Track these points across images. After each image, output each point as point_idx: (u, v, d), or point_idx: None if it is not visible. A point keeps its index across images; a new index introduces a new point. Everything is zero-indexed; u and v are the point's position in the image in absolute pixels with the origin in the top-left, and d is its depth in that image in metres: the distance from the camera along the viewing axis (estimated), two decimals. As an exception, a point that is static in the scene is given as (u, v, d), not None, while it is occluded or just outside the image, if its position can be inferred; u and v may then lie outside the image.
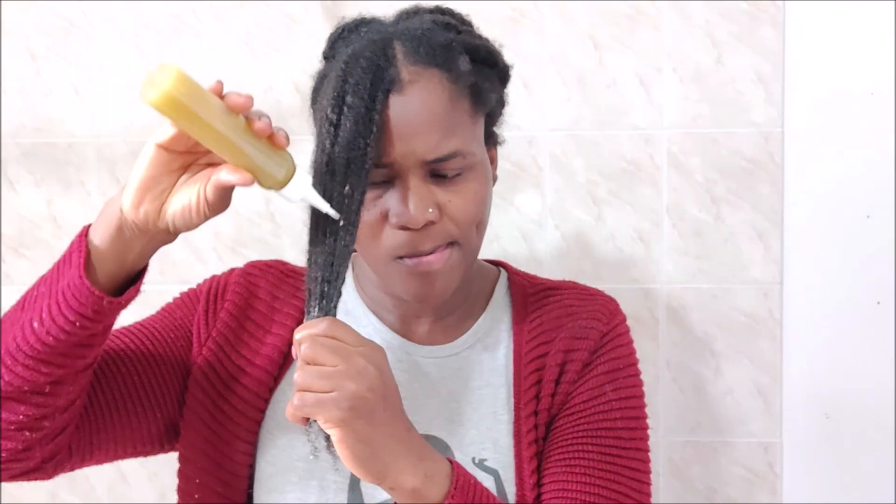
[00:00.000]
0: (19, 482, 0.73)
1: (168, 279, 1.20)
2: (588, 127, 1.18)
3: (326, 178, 0.66)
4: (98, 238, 0.65)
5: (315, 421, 0.64)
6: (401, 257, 0.72)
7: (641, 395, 0.81)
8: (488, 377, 0.80)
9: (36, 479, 0.73)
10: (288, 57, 1.19)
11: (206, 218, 0.63)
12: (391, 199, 0.70)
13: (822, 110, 1.15)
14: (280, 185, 0.63)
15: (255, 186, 0.62)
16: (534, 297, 0.84)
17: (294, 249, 1.19)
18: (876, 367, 1.16)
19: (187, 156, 0.63)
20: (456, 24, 0.76)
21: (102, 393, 0.75)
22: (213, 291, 0.83)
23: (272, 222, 1.21)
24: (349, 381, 0.62)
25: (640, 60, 1.17)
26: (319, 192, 0.66)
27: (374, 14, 0.77)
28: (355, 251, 0.86)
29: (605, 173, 1.18)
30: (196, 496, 0.78)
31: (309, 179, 0.65)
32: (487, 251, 0.79)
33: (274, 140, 0.62)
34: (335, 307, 0.67)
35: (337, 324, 0.65)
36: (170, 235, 0.65)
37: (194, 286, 0.86)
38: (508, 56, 0.79)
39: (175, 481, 0.81)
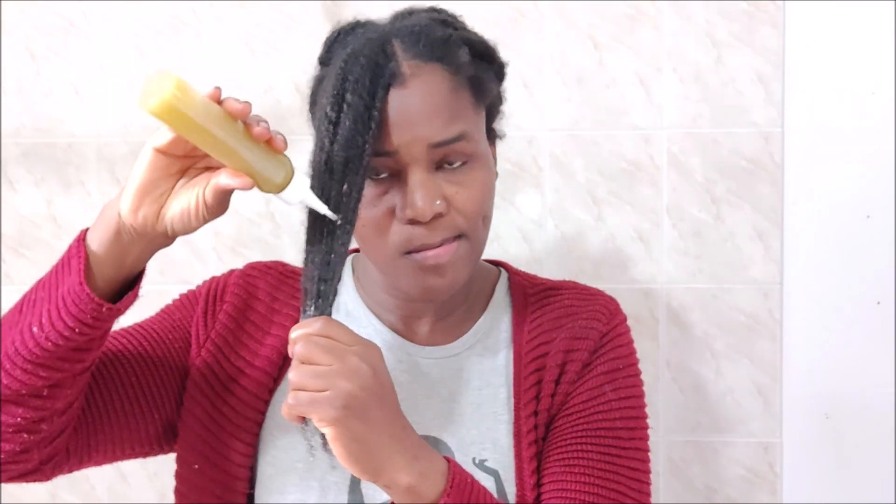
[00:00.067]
0: (18, 483, 0.73)
1: (168, 279, 1.20)
2: (588, 127, 1.18)
3: (325, 176, 0.66)
4: (96, 243, 0.65)
5: (311, 420, 0.64)
6: (409, 252, 0.72)
7: (641, 395, 0.81)
8: (488, 377, 0.80)
9: (34, 480, 0.73)
10: (288, 57, 1.19)
11: (205, 221, 0.64)
12: (397, 195, 0.70)
13: (822, 110, 1.15)
14: (279, 188, 0.63)
15: (254, 189, 0.63)
16: (534, 298, 0.84)
17: (294, 249, 1.19)
18: (876, 367, 1.16)
19: (185, 160, 0.63)
20: (452, 21, 0.76)
21: (100, 394, 0.75)
22: (213, 293, 0.83)
23: (272, 222, 1.21)
24: (343, 380, 0.62)
25: (640, 60, 1.17)
26: (318, 192, 0.66)
27: (372, 15, 0.77)
28: (357, 251, 0.87)
29: (605, 173, 1.18)
30: (194, 497, 0.78)
31: (307, 182, 0.65)
32: (487, 251, 0.79)
33: (272, 144, 0.63)
34: (331, 306, 0.67)
35: (332, 323, 0.65)
36: (168, 239, 0.65)
37: (194, 287, 0.86)
38: (508, 56, 0.79)
39: (174, 482, 0.81)
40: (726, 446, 1.19)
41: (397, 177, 0.70)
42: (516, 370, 0.80)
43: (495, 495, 0.75)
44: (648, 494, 0.77)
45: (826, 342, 1.17)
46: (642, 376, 0.82)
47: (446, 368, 0.80)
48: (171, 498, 0.81)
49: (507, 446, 0.78)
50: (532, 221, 1.19)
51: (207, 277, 0.86)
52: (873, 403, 1.16)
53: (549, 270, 1.18)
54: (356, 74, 0.67)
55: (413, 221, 0.70)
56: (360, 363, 0.64)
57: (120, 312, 0.67)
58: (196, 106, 0.58)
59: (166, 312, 0.83)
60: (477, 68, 0.74)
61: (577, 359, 0.79)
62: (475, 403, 0.79)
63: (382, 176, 0.71)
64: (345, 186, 0.67)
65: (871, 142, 1.15)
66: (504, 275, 0.87)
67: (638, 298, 1.18)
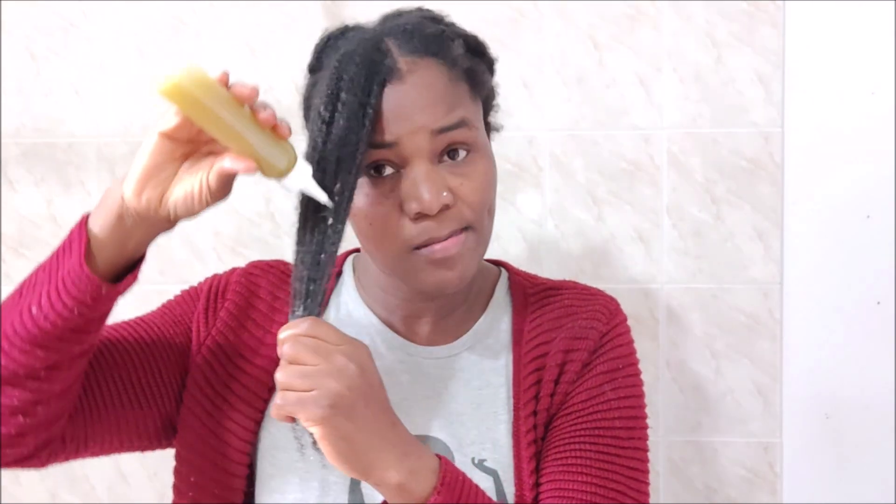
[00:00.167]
0: (13, 470, 0.73)
1: (168, 279, 1.20)
2: (588, 127, 1.18)
3: (318, 175, 0.67)
4: (98, 226, 0.66)
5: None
6: (418, 247, 0.72)
7: (641, 395, 0.81)
8: (488, 377, 0.80)
9: (29, 466, 0.73)
10: (288, 57, 1.19)
11: (208, 205, 0.64)
12: (402, 190, 0.70)
13: (822, 110, 1.15)
14: (282, 174, 0.64)
15: (257, 178, 0.63)
16: (534, 297, 0.84)
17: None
18: (876, 367, 1.16)
19: (190, 144, 0.64)
20: (440, 19, 0.77)
21: (98, 383, 0.75)
22: (214, 290, 0.83)
23: (272, 222, 1.21)
24: (329, 380, 0.63)
25: (639, 60, 1.17)
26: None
27: (372, 15, 0.77)
28: (358, 251, 0.87)
29: (605, 173, 1.18)
30: (191, 495, 0.78)
31: (309, 170, 0.66)
32: (487, 251, 0.79)
33: (277, 130, 0.63)
34: (320, 306, 0.68)
35: (319, 323, 0.66)
36: (170, 223, 0.66)
37: (195, 285, 0.86)
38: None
39: (172, 479, 0.81)
40: (726, 446, 1.19)
41: (401, 173, 0.71)
42: (516, 370, 0.80)
43: (494, 495, 0.75)
44: (647, 494, 0.77)
45: (826, 342, 1.17)
46: (642, 376, 0.82)
47: (446, 368, 0.80)
48: (171, 497, 0.81)
49: (507, 446, 0.78)
50: (532, 221, 1.19)
51: (208, 276, 0.86)
52: (873, 403, 1.16)
53: (549, 270, 1.18)
54: (351, 73, 0.68)
55: (420, 215, 0.70)
56: (348, 362, 0.64)
57: (119, 293, 0.67)
58: (204, 88, 0.60)
59: (167, 307, 0.83)
60: (471, 61, 0.74)
61: (577, 359, 0.79)
62: (475, 403, 0.79)
63: (386, 174, 0.71)
64: (337, 185, 0.67)
65: (871, 142, 1.15)
66: (504, 274, 0.87)
67: (638, 298, 1.18)
